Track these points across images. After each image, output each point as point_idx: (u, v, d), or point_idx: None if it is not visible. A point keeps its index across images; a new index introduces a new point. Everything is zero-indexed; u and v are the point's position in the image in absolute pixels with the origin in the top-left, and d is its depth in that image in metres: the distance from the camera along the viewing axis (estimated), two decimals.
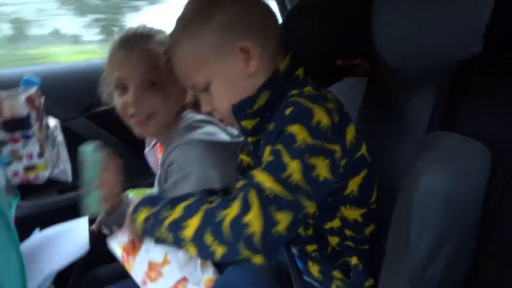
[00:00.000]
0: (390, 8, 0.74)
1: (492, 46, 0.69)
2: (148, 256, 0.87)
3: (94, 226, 1.29)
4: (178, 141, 1.09)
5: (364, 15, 0.79)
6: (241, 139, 1.10)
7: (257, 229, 0.67)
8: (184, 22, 0.86)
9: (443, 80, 0.83)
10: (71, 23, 2.59)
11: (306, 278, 0.92)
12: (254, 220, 0.67)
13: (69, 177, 1.21)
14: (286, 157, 0.71)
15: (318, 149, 0.73)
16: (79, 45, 2.63)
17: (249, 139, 0.90)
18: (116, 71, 1.12)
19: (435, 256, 0.69)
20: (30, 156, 0.97)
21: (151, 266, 0.86)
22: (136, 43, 1.11)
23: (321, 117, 0.75)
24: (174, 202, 0.78)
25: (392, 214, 0.77)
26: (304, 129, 0.73)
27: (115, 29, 2.64)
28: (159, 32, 1.15)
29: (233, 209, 0.69)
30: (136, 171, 1.11)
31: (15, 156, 0.96)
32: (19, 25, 2.45)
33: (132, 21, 2.66)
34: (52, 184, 1.35)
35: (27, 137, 0.95)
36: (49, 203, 1.70)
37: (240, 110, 0.85)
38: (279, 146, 0.73)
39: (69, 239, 1.11)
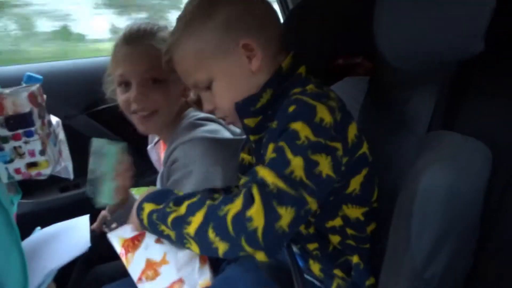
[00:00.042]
0: (391, 8, 0.75)
1: (492, 46, 0.69)
2: (147, 253, 0.87)
3: (94, 226, 1.29)
4: (181, 139, 1.09)
5: (365, 15, 0.79)
6: (244, 137, 1.10)
7: (260, 224, 0.67)
8: (184, 21, 0.87)
9: (444, 80, 0.83)
10: (118, 22, 2.69)
11: (307, 276, 0.92)
12: (256, 214, 0.67)
13: (71, 175, 1.22)
14: (289, 154, 0.72)
15: (321, 146, 0.74)
16: None
17: (252, 137, 0.90)
18: (119, 68, 1.12)
19: (435, 255, 0.69)
20: (32, 153, 0.97)
21: (149, 264, 0.86)
22: (139, 39, 1.12)
23: (323, 114, 0.75)
24: (178, 200, 0.79)
25: (393, 213, 0.77)
26: (307, 127, 0.74)
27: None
28: (163, 29, 1.15)
29: (236, 204, 0.70)
30: (138, 169, 1.11)
31: (17, 153, 0.96)
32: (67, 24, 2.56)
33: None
34: (54, 182, 1.36)
35: (29, 134, 0.95)
36: (50, 201, 1.71)
37: (243, 108, 0.85)
38: (282, 143, 0.73)
39: (71, 236, 1.11)
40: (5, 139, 0.95)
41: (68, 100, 1.75)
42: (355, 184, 0.84)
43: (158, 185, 1.22)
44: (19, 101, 0.94)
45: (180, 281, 0.86)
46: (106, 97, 1.25)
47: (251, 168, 0.76)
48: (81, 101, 1.79)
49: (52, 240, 1.10)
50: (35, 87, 0.99)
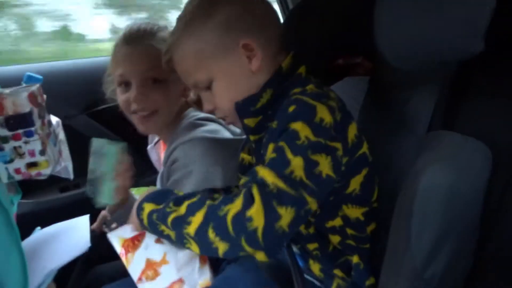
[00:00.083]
0: (391, 8, 0.75)
1: (492, 46, 0.69)
2: (147, 253, 0.87)
3: (94, 226, 1.29)
4: (181, 139, 1.09)
5: (365, 15, 0.79)
6: (244, 137, 1.10)
7: (260, 224, 0.67)
8: (184, 21, 0.87)
9: (444, 80, 0.83)
10: (118, 22, 2.70)
11: (307, 276, 0.92)
12: (256, 214, 0.67)
13: (71, 175, 1.22)
14: (289, 154, 0.72)
15: (321, 146, 0.74)
16: None
17: (251, 137, 0.90)
18: (119, 68, 1.12)
19: (435, 255, 0.69)
20: (32, 153, 0.97)
21: (149, 264, 0.86)
22: (139, 39, 1.12)
23: (323, 114, 0.75)
24: (178, 200, 0.79)
25: (393, 213, 0.77)
26: (307, 127, 0.74)
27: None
28: (163, 29, 1.15)
29: (236, 204, 0.70)
30: (138, 169, 1.12)
31: (17, 153, 0.96)
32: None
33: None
34: (54, 182, 1.36)
35: (29, 134, 0.95)
36: (50, 201, 1.71)
37: (243, 108, 0.85)
38: (282, 143, 0.73)
39: (71, 236, 1.11)
40: (5, 139, 0.95)
41: (68, 100, 1.74)
42: (355, 184, 0.84)
43: (158, 185, 1.22)
44: (19, 101, 0.94)
45: (180, 281, 0.85)
46: (106, 97, 1.25)
47: (251, 168, 0.76)
48: (81, 101, 1.79)
49: (52, 240, 1.10)
50: (35, 87, 0.99)
